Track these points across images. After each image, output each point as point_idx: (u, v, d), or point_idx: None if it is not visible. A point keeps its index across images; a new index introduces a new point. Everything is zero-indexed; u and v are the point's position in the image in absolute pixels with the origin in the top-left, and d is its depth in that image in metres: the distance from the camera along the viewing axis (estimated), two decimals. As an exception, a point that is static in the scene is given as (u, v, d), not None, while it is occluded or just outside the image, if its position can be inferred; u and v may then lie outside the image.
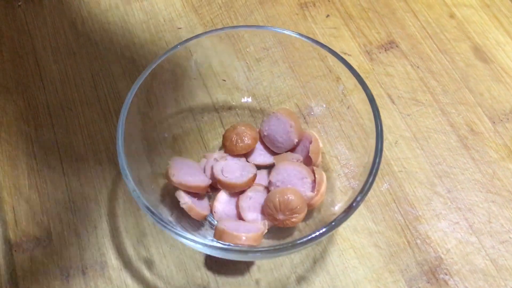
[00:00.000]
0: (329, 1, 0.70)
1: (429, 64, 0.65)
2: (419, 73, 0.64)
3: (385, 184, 0.56)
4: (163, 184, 0.53)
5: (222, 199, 0.53)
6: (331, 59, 0.52)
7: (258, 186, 0.53)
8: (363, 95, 0.49)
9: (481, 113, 0.61)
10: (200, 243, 0.43)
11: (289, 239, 0.51)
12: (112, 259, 0.52)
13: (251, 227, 0.49)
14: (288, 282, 0.51)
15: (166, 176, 0.50)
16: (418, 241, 0.53)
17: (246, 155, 0.55)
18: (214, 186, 0.53)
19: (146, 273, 0.52)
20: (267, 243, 0.50)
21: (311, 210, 0.52)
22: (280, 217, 0.49)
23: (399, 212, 0.54)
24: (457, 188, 0.56)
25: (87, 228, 0.54)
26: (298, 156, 0.54)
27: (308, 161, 0.53)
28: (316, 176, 0.51)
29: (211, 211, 0.52)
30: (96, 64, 0.65)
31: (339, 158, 0.55)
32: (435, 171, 0.57)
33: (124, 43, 0.66)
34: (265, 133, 0.55)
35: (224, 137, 0.55)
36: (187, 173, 0.51)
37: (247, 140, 0.54)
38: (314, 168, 0.52)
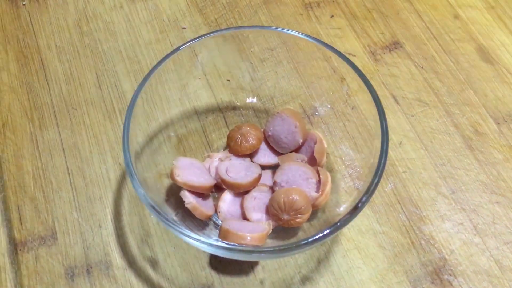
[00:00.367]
0: (333, 1, 0.70)
1: (433, 64, 0.65)
2: (424, 74, 0.64)
3: (390, 185, 0.56)
4: (167, 184, 0.53)
5: (227, 199, 0.53)
6: (336, 60, 0.52)
7: (262, 186, 0.53)
8: (368, 95, 0.49)
9: (486, 114, 0.61)
10: (205, 242, 0.43)
11: (293, 240, 0.51)
12: (117, 259, 0.52)
13: (255, 227, 0.49)
14: (293, 282, 0.51)
15: (171, 176, 0.50)
16: (423, 242, 0.53)
17: (251, 155, 0.55)
18: (219, 186, 0.53)
19: (151, 272, 0.52)
20: (271, 243, 0.50)
21: (315, 210, 0.52)
22: (285, 217, 0.49)
23: (404, 213, 0.54)
24: (462, 189, 0.56)
25: (92, 228, 0.54)
26: (302, 156, 0.54)
27: (312, 162, 0.53)
28: (320, 176, 0.51)
29: (215, 211, 0.52)
30: (101, 63, 0.65)
31: (343, 158, 0.55)
32: (439, 171, 0.57)
33: (129, 43, 0.67)
34: (270, 133, 0.55)
35: (228, 137, 0.55)
36: (191, 173, 0.51)
37: (251, 140, 0.54)
38: (319, 168, 0.52)
